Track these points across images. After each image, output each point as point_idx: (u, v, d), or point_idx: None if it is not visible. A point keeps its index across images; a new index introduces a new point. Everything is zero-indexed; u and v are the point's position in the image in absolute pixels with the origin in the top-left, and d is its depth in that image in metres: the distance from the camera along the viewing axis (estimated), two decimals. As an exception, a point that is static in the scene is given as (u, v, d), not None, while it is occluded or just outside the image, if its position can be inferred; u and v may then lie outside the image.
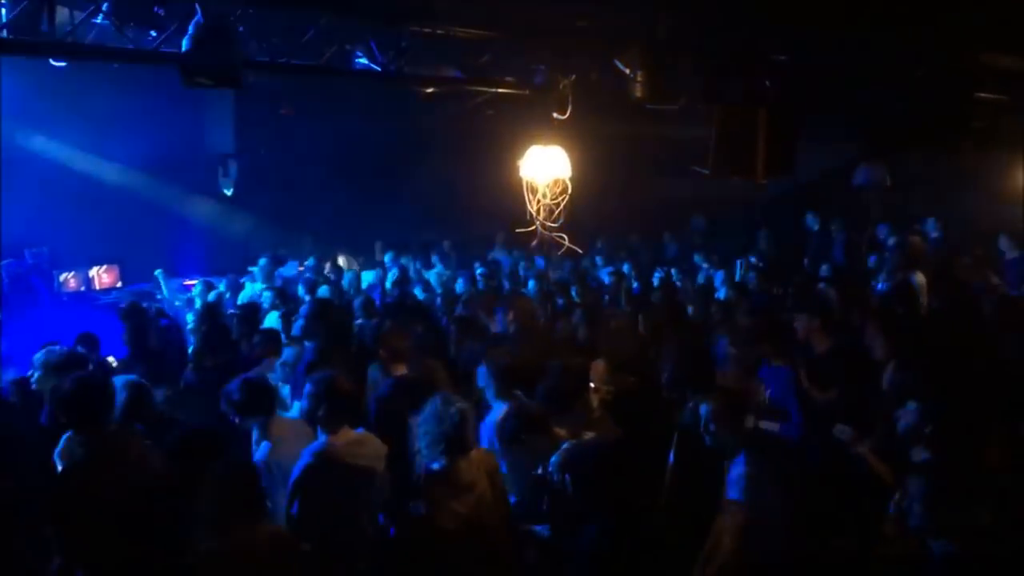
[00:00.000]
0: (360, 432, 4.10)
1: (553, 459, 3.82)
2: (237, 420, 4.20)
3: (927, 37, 5.94)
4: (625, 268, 9.67)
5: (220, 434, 4.00)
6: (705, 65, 6.26)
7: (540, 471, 3.84)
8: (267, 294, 7.55)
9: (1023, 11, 5.41)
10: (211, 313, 6.62)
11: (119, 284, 10.26)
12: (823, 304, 6.61)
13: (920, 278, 8.46)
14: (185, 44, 4.43)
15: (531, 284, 8.28)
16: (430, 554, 3.66)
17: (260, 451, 4.04)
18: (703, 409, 3.90)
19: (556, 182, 5.41)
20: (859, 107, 7.45)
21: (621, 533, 3.25)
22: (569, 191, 5.38)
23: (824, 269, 8.96)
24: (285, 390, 5.15)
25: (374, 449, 4.10)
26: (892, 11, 5.39)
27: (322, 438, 3.93)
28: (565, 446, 3.92)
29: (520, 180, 5.52)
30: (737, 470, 3.67)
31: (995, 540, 3.13)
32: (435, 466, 3.78)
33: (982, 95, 7.51)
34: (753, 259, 9.80)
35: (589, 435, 4.34)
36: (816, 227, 11.07)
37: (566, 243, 5.36)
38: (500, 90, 5.49)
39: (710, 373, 5.14)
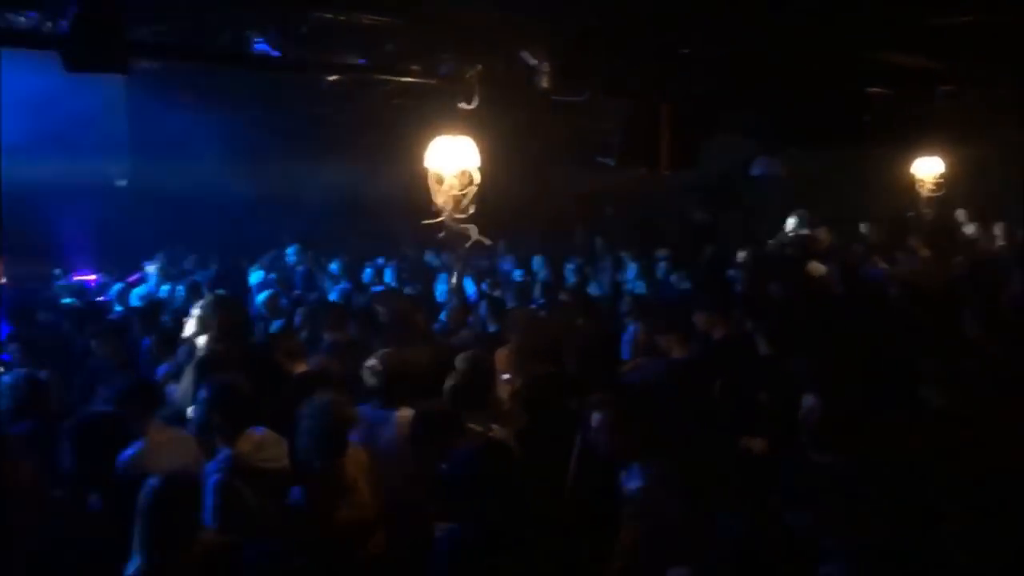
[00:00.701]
0: (260, 432, 3.98)
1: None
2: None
3: (820, 34, 6.14)
4: (536, 260, 9.73)
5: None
6: (611, 58, 6.32)
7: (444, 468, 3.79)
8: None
9: (909, 10, 5.66)
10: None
11: (3, 280, 9.66)
12: (724, 295, 6.80)
13: (820, 268, 8.82)
14: (66, 27, 4.17)
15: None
16: (318, 554, 3.58)
17: (129, 449, 3.78)
18: (593, 418, 3.87)
19: (463, 173, 5.34)
20: (758, 102, 7.66)
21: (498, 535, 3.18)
22: (477, 182, 5.32)
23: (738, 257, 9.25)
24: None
25: (279, 448, 3.99)
26: (789, 8, 5.54)
27: (225, 450, 3.79)
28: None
29: (426, 171, 5.43)
30: (633, 483, 3.65)
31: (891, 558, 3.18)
32: (316, 466, 3.73)
33: (872, 90, 7.86)
34: (663, 251, 10.02)
35: (498, 428, 4.35)
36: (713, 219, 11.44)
37: (474, 235, 5.30)
38: (406, 79, 5.38)
39: (617, 362, 5.22)
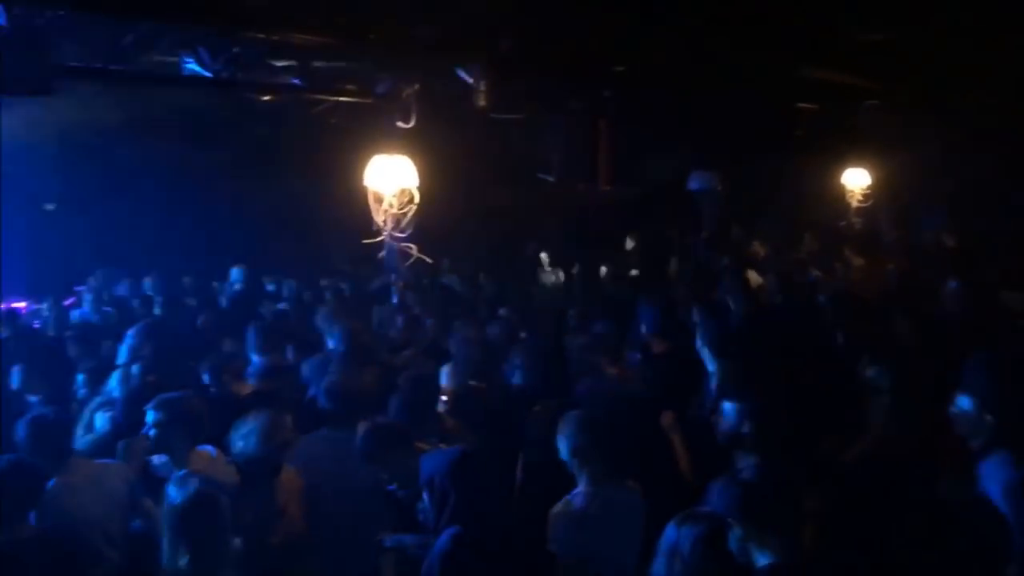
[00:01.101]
0: (211, 450, 3.92)
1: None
2: None
3: (752, 52, 6.32)
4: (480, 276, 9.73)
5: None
6: (548, 76, 6.41)
7: (394, 488, 3.76)
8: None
9: (834, 29, 5.88)
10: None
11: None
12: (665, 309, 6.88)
13: (755, 277, 9.00)
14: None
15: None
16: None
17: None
18: (560, 443, 3.78)
19: (403, 192, 5.33)
20: (693, 117, 7.85)
21: (472, 543, 3.20)
22: (416, 201, 5.32)
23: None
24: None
25: (229, 467, 3.94)
26: (721, 27, 5.70)
27: (180, 472, 3.71)
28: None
29: (366, 190, 5.41)
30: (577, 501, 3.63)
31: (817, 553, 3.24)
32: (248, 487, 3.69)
33: (802, 105, 8.13)
34: (607, 265, 10.11)
35: (445, 447, 4.32)
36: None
37: (415, 253, 5.29)
38: (342, 99, 5.35)
39: (562, 377, 5.24)
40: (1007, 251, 8.65)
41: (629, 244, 11.14)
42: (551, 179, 6.70)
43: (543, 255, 11.36)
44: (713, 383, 5.54)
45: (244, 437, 3.74)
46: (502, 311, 7.86)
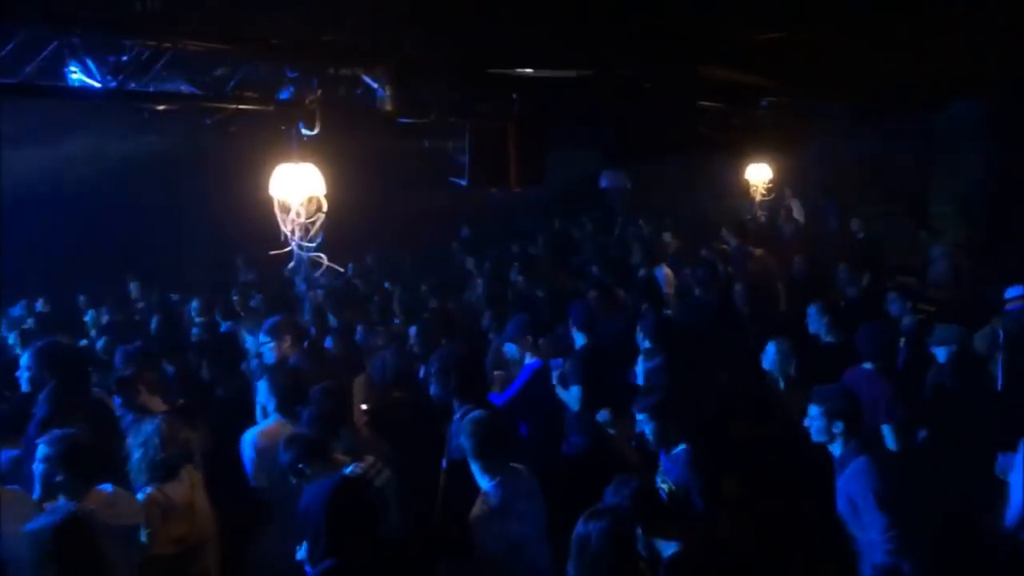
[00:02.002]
0: (110, 490, 3.75)
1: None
2: None
3: (655, 52, 6.43)
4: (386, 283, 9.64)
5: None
6: (454, 79, 6.37)
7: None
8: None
9: (736, 28, 6.04)
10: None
11: None
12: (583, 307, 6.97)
13: (666, 272, 9.21)
14: None
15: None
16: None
17: None
18: (464, 444, 3.91)
19: (311, 200, 5.21)
20: (600, 118, 7.95)
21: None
22: (324, 209, 5.21)
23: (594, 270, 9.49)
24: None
25: (131, 504, 3.81)
26: (625, 28, 5.78)
27: (69, 505, 3.53)
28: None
29: (271, 200, 5.26)
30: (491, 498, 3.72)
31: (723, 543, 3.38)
32: (148, 490, 3.79)
33: (705, 104, 8.34)
34: (518, 263, 10.16)
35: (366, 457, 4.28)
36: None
37: (325, 262, 5.18)
38: (241, 107, 5.18)
39: (479, 382, 5.23)
40: (897, 238, 9.11)
41: (540, 243, 11.26)
42: (463, 183, 6.66)
43: (466, 258, 11.36)
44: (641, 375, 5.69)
45: (142, 445, 3.74)
46: (425, 315, 7.83)
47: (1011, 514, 3.78)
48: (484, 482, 3.80)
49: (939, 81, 8.27)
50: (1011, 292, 6.31)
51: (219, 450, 4.65)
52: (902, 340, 6.07)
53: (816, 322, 6.36)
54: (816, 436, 3.94)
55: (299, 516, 3.37)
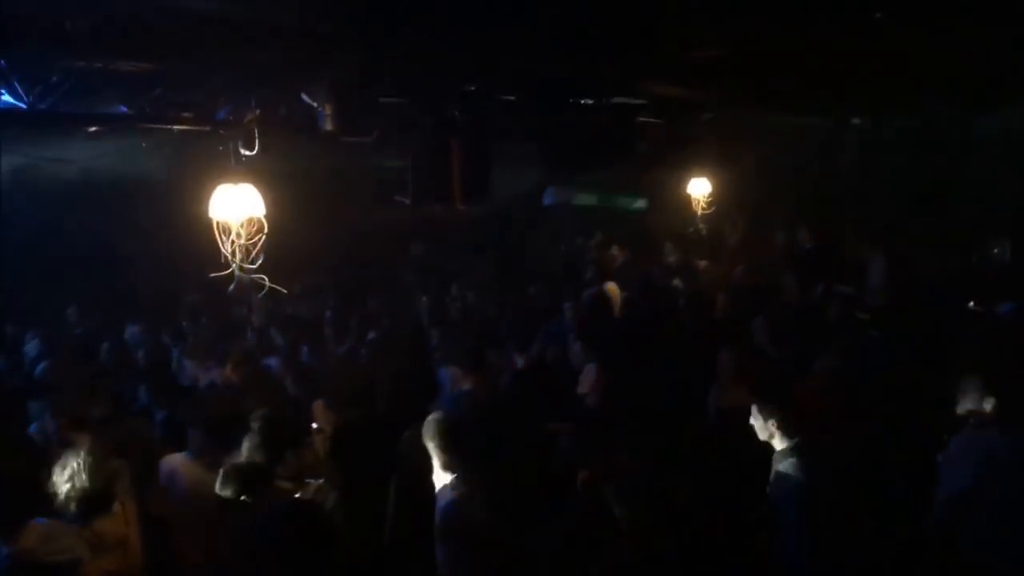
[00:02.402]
0: (43, 523, 3.62)
1: None
2: None
3: (593, 70, 6.52)
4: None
5: None
6: (395, 97, 6.36)
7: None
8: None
9: (674, 45, 6.16)
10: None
11: None
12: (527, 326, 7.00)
13: (612, 287, 9.26)
14: None
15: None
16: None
17: None
18: (428, 445, 3.92)
19: (251, 221, 5.13)
20: (543, 133, 8.01)
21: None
22: (266, 230, 5.13)
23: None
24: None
25: (68, 538, 3.68)
26: (564, 44, 5.84)
27: (2, 549, 3.40)
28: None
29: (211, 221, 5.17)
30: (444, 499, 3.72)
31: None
32: (76, 525, 3.64)
33: (644, 119, 8.47)
34: (463, 282, 10.14)
35: (313, 483, 4.22)
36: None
37: (267, 284, 5.10)
38: (177, 127, 5.08)
39: (429, 399, 5.20)
40: (835, 248, 9.35)
41: (484, 259, 11.27)
42: (407, 201, 6.64)
43: (409, 275, 11.30)
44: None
45: (71, 479, 3.59)
46: (370, 335, 7.74)
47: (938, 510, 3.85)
48: (446, 477, 3.83)
49: (873, 96, 8.55)
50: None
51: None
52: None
53: (760, 334, 6.45)
54: (761, 434, 4.02)
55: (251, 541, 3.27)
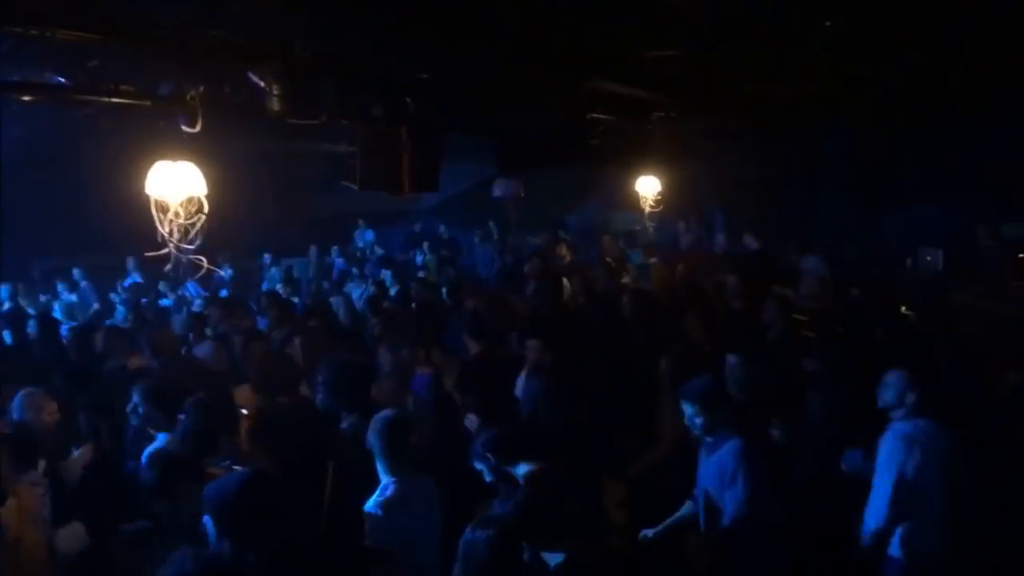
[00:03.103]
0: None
1: None
2: None
3: (548, 64, 6.52)
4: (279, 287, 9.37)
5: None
6: (346, 82, 6.25)
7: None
8: None
9: (625, 44, 6.20)
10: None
11: None
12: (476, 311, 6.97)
13: (564, 282, 9.30)
14: None
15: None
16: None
17: None
18: (370, 438, 3.87)
19: (190, 200, 5.01)
20: (494, 126, 8.00)
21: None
22: (205, 210, 5.01)
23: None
24: None
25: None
26: (518, 39, 5.83)
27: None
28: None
29: (149, 199, 5.03)
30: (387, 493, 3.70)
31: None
32: None
33: (595, 116, 8.51)
34: (420, 268, 10.08)
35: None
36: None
37: (205, 264, 4.99)
38: (116, 100, 4.91)
39: (365, 389, 5.15)
40: (777, 251, 9.55)
41: (426, 249, 11.22)
42: (354, 187, 6.54)
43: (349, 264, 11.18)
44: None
45: None
46: (312, 321, 7.63)
47: (870, 521, 3.95)
48: (385, 478, 3.77)
49: (821, 107, 8.74)
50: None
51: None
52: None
53: (696, 331, 6.52)
54: (695, 431, 4.07)
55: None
